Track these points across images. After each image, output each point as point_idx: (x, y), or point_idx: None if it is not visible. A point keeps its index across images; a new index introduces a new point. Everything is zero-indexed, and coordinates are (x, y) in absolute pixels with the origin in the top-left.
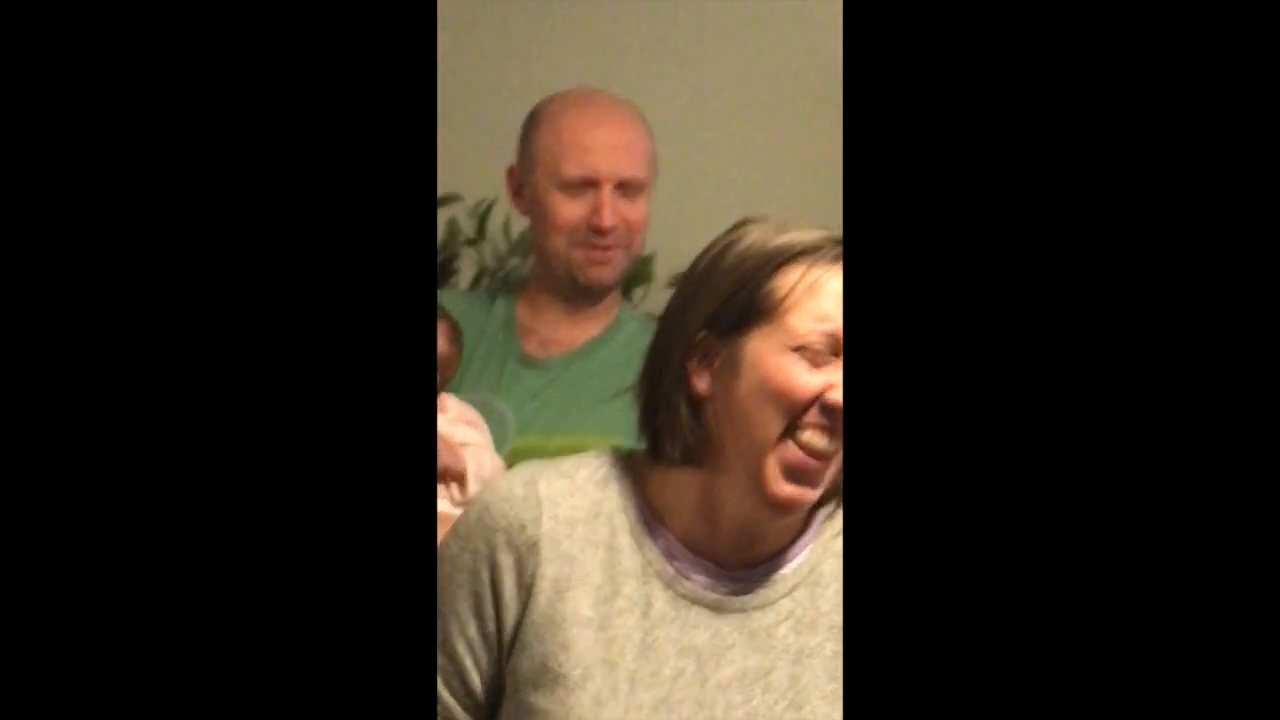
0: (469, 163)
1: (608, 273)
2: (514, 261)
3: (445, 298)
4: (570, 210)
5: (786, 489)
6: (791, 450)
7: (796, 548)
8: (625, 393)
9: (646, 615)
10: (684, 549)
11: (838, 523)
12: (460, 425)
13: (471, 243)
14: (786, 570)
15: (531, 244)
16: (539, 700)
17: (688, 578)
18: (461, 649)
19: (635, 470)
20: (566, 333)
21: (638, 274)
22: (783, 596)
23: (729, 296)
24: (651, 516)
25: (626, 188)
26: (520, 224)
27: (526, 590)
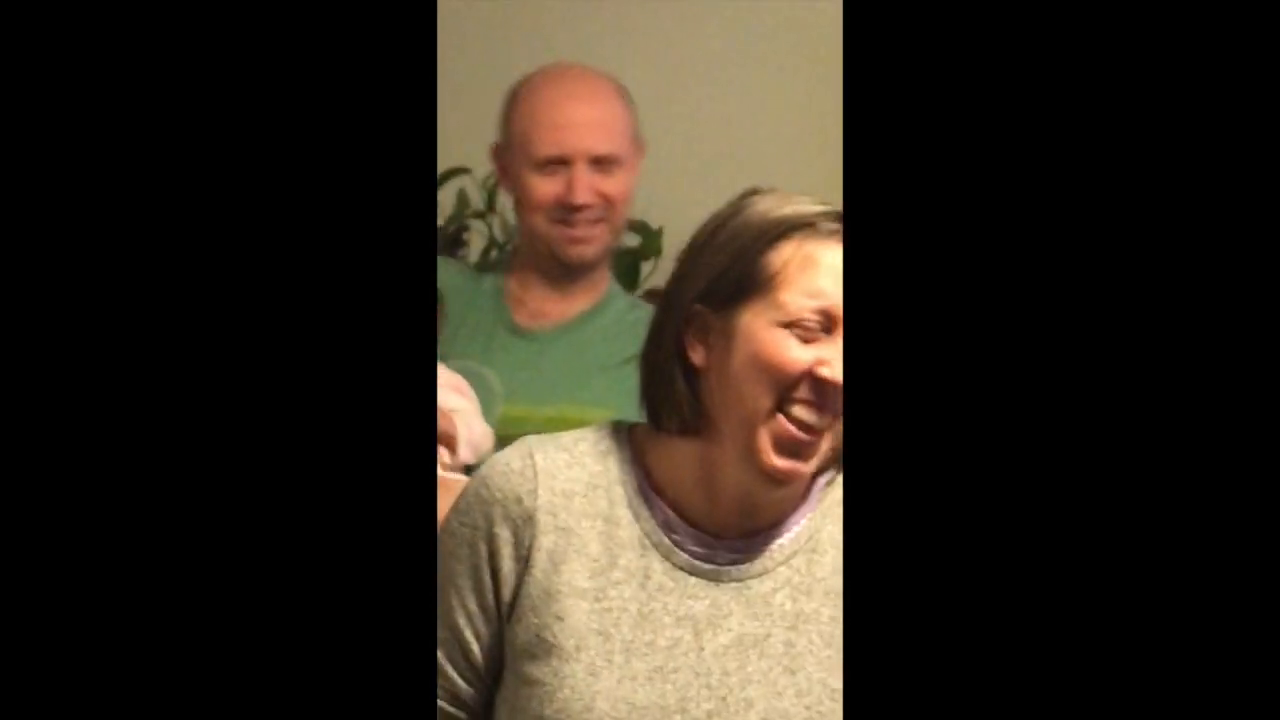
0: (477, 136)
1: (589, 249)
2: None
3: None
4: (546, 188)
5: (779, 462)
6: (783, 424)
7: (796, 516)
8: (628, 362)
9: (644, 586)
10: (682, 520)
11: (838, 490)
12: (448, 391)
13: (480, 215)
14: (785, 539)
15: (517, 221)
16: (534, 671)
17: (685, 549)
18: (463, 622)
19: (634, 443)
20: (555, 306)
21: (647, 247)
22: (780, 564)
23: (724, 270)
24: (650, 488)
25: (602, 163)
26: None
27: (523, 562)
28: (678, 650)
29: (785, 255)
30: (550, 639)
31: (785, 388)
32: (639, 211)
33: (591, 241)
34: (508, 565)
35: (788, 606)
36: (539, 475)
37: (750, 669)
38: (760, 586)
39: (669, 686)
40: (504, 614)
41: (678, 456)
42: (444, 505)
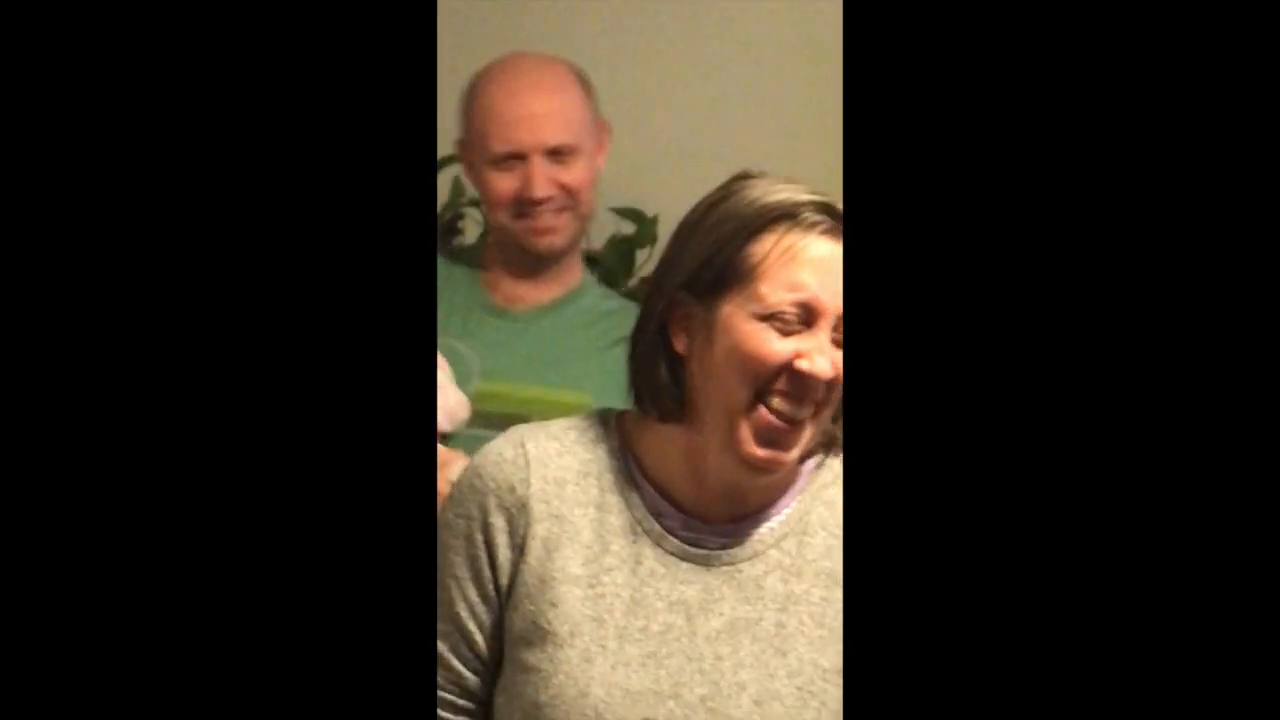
0: None
1: (557, 240)
2: None
3: None
4: (505, 184)
5: (759, 452)
6: (763, 415)
7: (785, 500)
8: (616, 344)
9: (635, 572)
10: (671, 506)
11: (827, 473)
12: None
13: (475, 204)
14: (774, 523)
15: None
16: (530, 657)
17: (676, 534)
18: (464, 613)
19: (623, 430)
20: (528, 293)
21: (642, 235)
22: (770, 547)
23: (707, 259)
24: (640, 475)
25: (559, 154)
26: None
27: (519, 550)
28: (670, 635)
29: (766, 247)
30: (545, 625)
31: (764, 380)
32: (634, 199)
33: (557, 232)
34: (504, 553)
35: (778, 589)
36: (531, 464)
37: (743, 652)
38: (751, 570)
39: (662, 671)
40: (503, 602)
41: (665, 443)
42: None
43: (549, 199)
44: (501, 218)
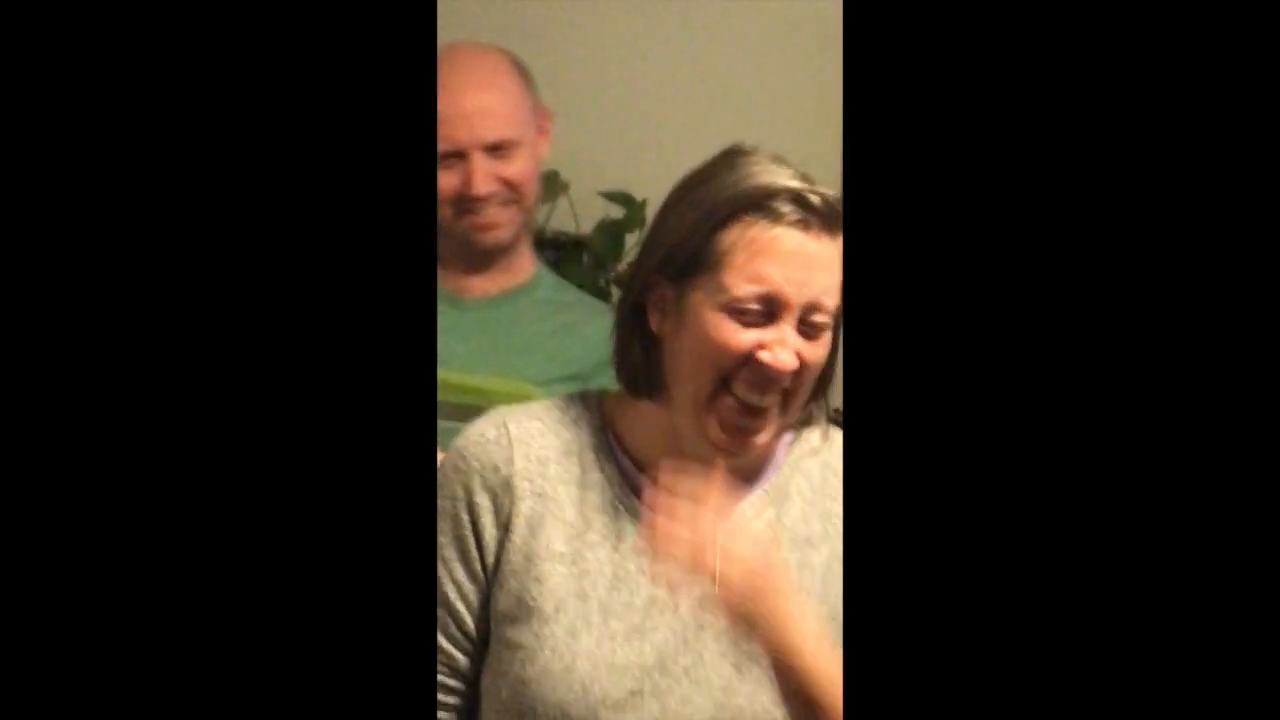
0: None
1: (502, 234)
2: None
3: None
4: (446, 182)
5: (724, 439)
6: (728, 403)
7: (765, 474)
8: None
9: (618, 548)
10: (653, 483)
11: (804, 445)
12: None
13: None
14: (754, 496)
15: None
16: (515, 634)
17: None
18: (453, 594)
19: (605, 409)
20: (478, 284)
21: (630, 219)
22: (752, 520)
23: (679, 242)
24: (621, 452)
25: (499, 148)
26: None
27: (504, 529)
28: (654, 609)
29: (733, 237)
30: (530, 602)
31: (727, 369)
32: (623, 183)
33: (502, 226)
34: (489, 532)
35: None
36: (514, 443)
37: (723, 621)
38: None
39: (647, 645)
40: (490, 581)
41: (644, 421)
42: None
43: (491, 195)
44: (445, 214)
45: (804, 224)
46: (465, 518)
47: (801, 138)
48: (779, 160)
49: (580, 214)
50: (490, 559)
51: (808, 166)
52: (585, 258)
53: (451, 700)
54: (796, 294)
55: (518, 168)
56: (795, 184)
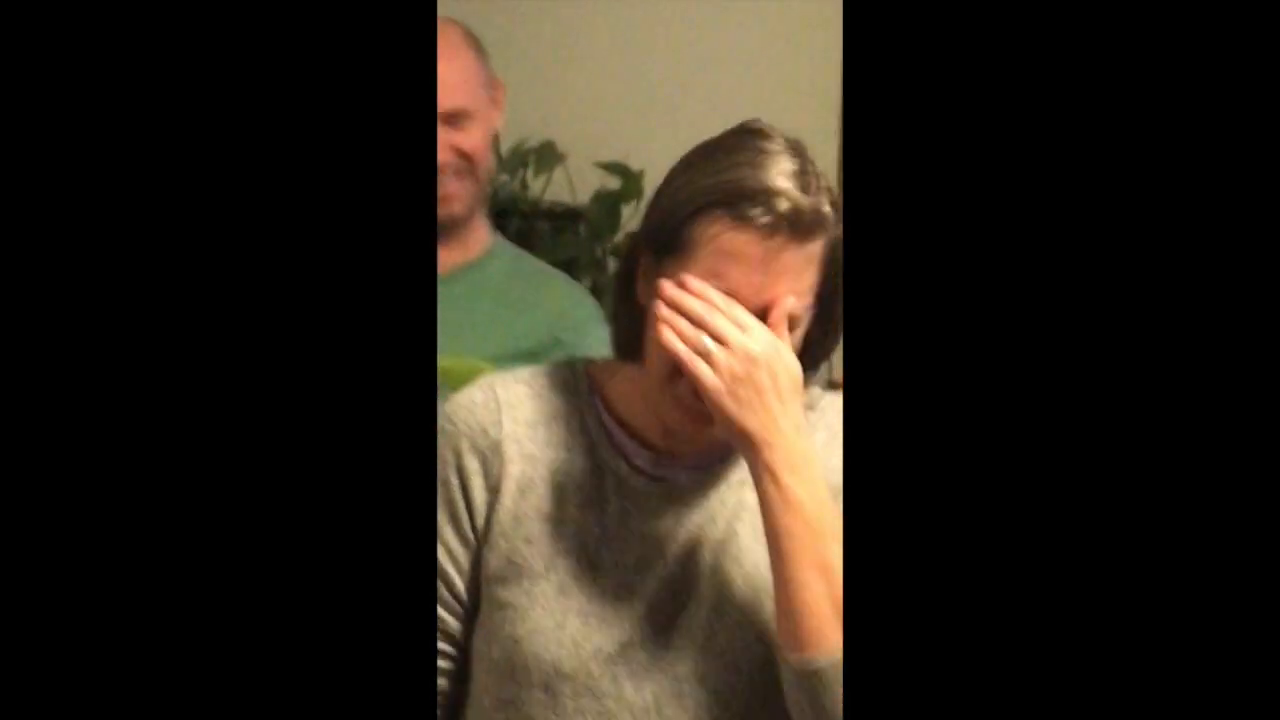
0: None
1: (456, 206)
2: (503, 178)
3: None
4: None
5: (678, 419)
6: (683, 387)
7: None
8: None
9: (606, 510)
10: (639, 445)
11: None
12: None
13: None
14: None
15: None
16: (506, 594)
17: (644, 472)
18: (444, 558)
19: (593, 374)
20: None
21: (627, 190)
22: (739, 483)
23: (664, 219)
24: (609, 416)
25: (453, 119)
26: (510, 139)
27: (493, 491)
28: (644, 565)
29: (702, 229)
30: (520, 562)
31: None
32: (620, 154)
33: (456, 198)
34: (479, 495)
35: (730, 500)
36: (502, 407)
37: (704, 566)
38: (715, 495)
39: (637, 599)
40: (480, 543)
41: (631, 385)
42: None
43: (444, 165)
44: None
45: (770, 228)
46: (455, 480)
47: (799, 105)
48: (789, 148)
49: (577, 185)
50: (480, 521)
51: (804, 134)
52: (582, 228)
53: (444, 665)
54: (753, 296)
55: (471, 138)
56: (774, 184)
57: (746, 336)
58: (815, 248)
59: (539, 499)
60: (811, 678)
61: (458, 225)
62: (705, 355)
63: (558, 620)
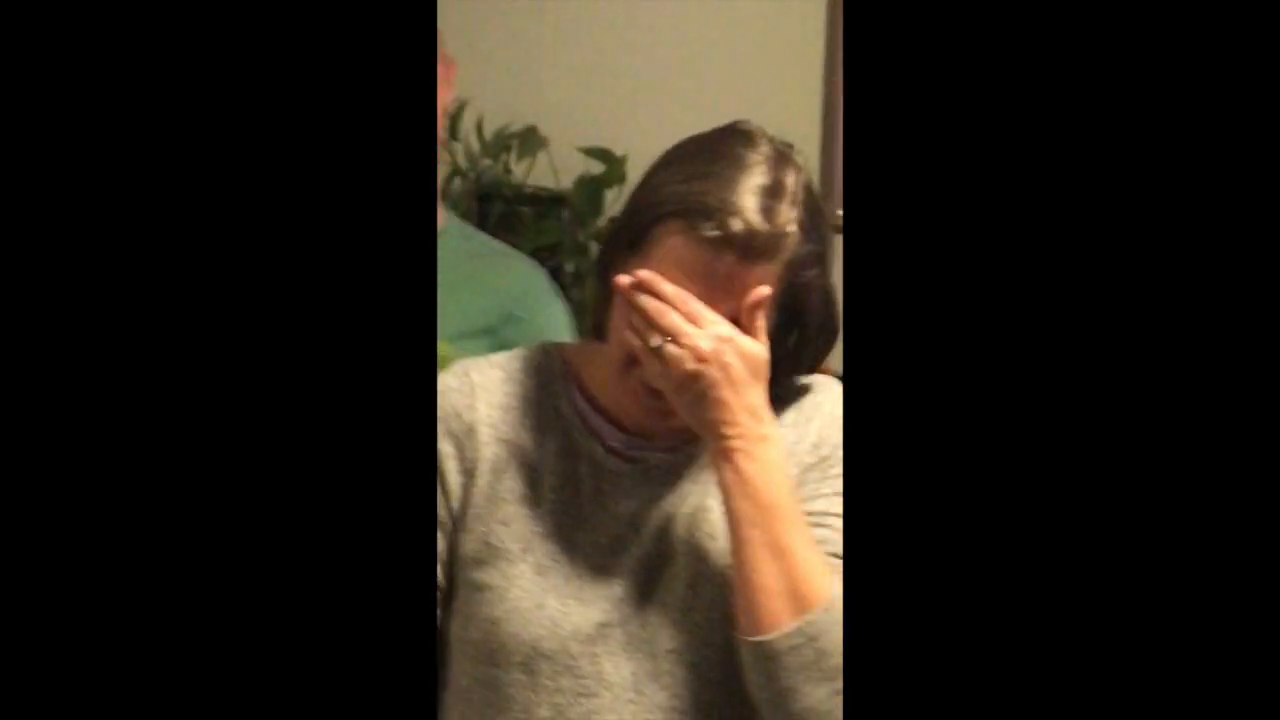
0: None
1: None
2: (486, 163)
3: None
4: None
5: (637, 409)
6: (638, 377)
7: None
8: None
9: (580, 490)
10: (613, 427)
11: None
12: None
13: (443, 144)
14: None
15: None
16: (483, 576)
17: (618, 453)
18: None
19: (567, 356)
20: None
21: (610, 175)
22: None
23: (633, 215)
24: (582, 398)
25: None
26: (493, 124)
27: (468, 475)
28: (620, 544)
29: (659, 233)
30: (497, 544)
31: (633, 352)
32: (604, 139)
33: None
34: (454, 479)
35: (704, 479)
36: (476, 391)
37: (678, 544)
38: (689, 474)
39: (615, 578)
40: (456, 528)
41: (604, 368)
42: None
43: None
44: None
45: (720, 245)
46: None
47: (781, 95)
48: (770, 159)
49: (560, 170)
50: (456, 505)
51: (788, 121)
52: (565, 213)
53: None
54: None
55: None
56: (736, 202)
57: (697, 332)
58: (767, 269)
59: (514, 482)
60: (766, 659)
61: None
62: (656, 352)
63: (536, 601)
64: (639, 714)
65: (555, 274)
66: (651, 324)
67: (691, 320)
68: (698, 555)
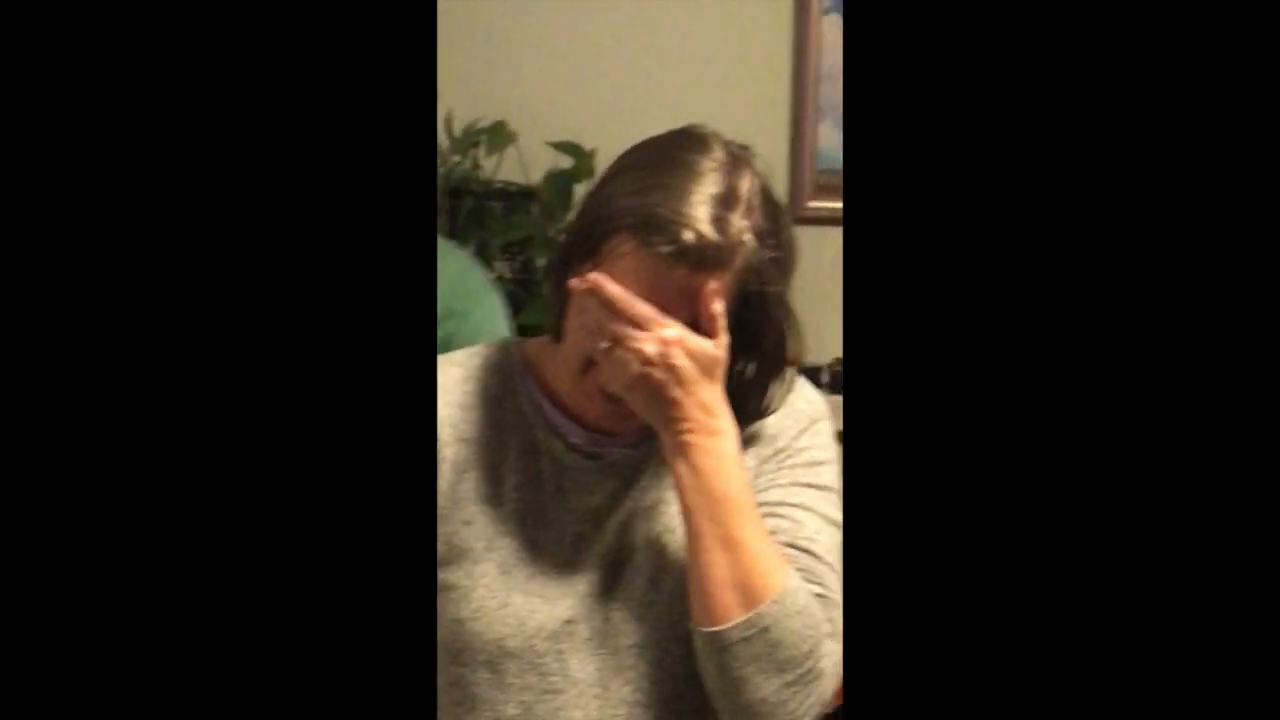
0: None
1: None
2: (454, 159)
3: None
4: None
5: (594, 411)
6: (591, 382)
7: None
8: None
9: (543, 488)
10: (574, 424)
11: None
12: None
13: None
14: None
15: None
16: (449, 576)
17: (579, 450)
18: None
19: (527, 352)
20: None
21: (579, 169)
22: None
23: (582, 230)
24: (542, 395)
25: None
26: (463, 120)
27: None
28: (584, 542)
29: (613, 245)
30: (461, 544)
31: (588, 352)
32: (572, 133)
33: None
34: None
35: (664, 472)
36: (437, 390)
37: (639, 538)
38: (649, 468)
39: (578, 576)
40: None
41: (563, 363)
42: None
43: None
44: None
45: (672, 258)
46: None
47: (747, 91)
48: (724, 166)
49: (529, 164)
50: None
51: (756, 116)
52: (535, 208)
53: None
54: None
55: None
56: (687, 213)
57: (642, 335)
58: (721, 279)
59: (476, 481)
60: (718, 649)
61: None
62: (605, 356)
63: (500, 600)
64: (605, 709)
65: (526, 268)
66: (600, 329)
67: (638, 324)
68: (657, 549)
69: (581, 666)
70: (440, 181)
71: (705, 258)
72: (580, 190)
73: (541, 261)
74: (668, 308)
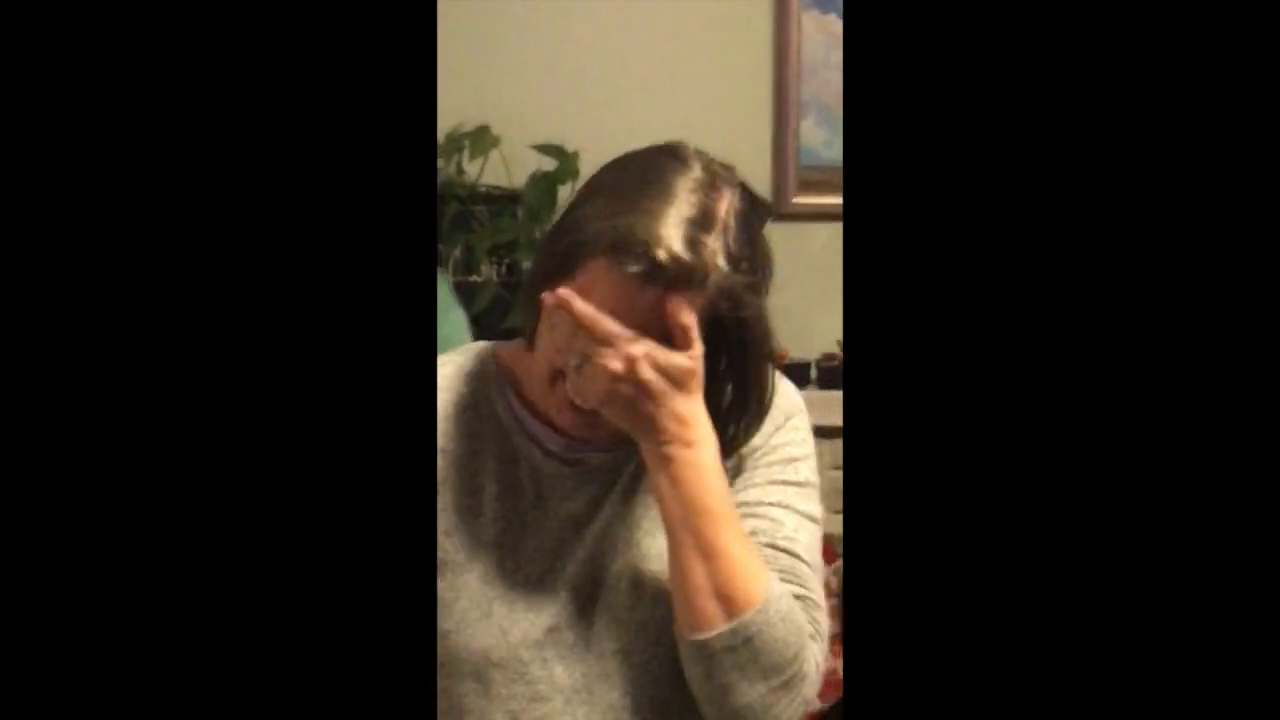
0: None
1: None
2: (439, 164)
3: None
4: None
5: (565, 420)
6: (562, 392)
7: None
8: None
9: (522, 496)
10: (551, 431)
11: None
12: None
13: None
14: None
15: None
16: None
17: (557, 456)
18: None
19: (501, 359)
20: None
21: (563, 171)
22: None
23: (555, 251)
24: (519, 403)
25: None
26: (446, 125)
27: None
28: (563, 548)
29: (586, 264)
30: (442, 555)
31: (558, 369)
32: (556, 135)
33: None
34: None
35: (643, 477)
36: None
37: (619, 543)
38: (628, 473)
39: (560, 582)
40: None
41: (535, 373)
42: None
43: None
44: None
45: (644, 278)
46: None
47: (730, 95)
48: (701, 186)
49: (513, 167)
50: None
51: (739, 114)
52: (519, 211)
53: None
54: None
55: None
56: (660, 233)
57: (608, 351)
58: (693, 299)
59: (455, 491)
60: (704, 657)
61: None
62: (575, 372)
63: (484, 610)
64: (591, 715)
65: (512, 271)
66: (568, 345)
67: (605, 341)
68: (638, 554)
69: (567, 673)
70: None
71: (677, 277)
72: (564, 192)
73: (528, 264)
74: (642, 328)
